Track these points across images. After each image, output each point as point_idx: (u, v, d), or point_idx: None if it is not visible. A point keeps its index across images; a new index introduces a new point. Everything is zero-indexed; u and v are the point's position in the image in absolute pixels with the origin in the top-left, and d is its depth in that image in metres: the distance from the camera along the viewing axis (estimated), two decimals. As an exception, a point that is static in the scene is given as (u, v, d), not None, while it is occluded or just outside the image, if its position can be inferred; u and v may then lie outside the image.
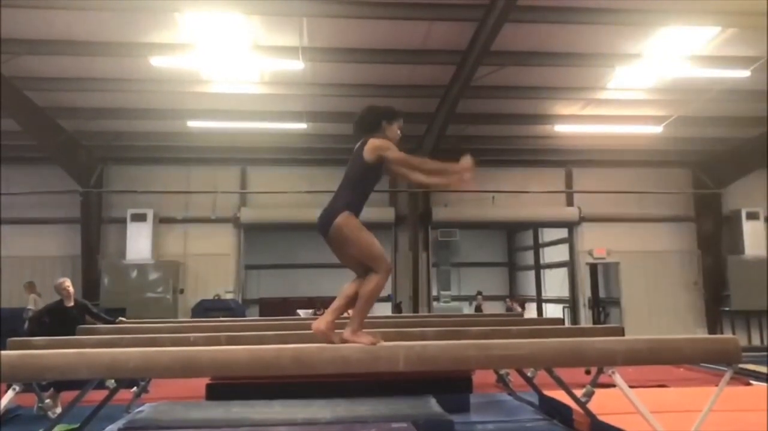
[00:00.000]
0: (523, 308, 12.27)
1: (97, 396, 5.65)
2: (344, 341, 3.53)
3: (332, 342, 3.54)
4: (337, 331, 3.59)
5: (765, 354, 11.01)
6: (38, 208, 12.94)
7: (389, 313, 12.64)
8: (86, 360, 3.46)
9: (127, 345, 4.22)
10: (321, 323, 3.57)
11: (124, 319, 7.07)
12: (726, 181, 13.90)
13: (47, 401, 5.08)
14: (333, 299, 3.72)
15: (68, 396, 5.80)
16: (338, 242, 3.53)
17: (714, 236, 14.13)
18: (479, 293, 13.78)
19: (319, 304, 13.46)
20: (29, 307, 9.84)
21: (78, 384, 5.28)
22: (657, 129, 12.00)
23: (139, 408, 6.16)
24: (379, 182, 3.78)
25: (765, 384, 7.32)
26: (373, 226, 3.62)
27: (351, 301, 3.61)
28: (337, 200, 3.55)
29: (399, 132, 3.79)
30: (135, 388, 6.89)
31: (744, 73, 9.53)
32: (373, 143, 3.60)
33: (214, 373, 4.90)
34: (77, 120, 11.68)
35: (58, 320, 6.67)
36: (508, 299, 14.24)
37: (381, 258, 3.52)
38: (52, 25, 8.43)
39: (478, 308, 13.25)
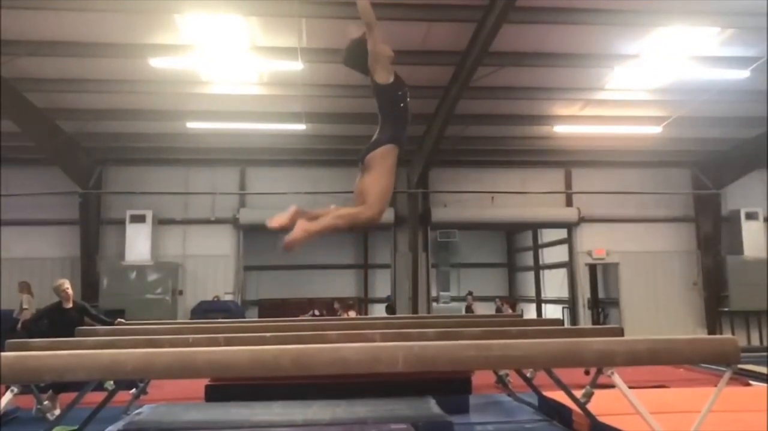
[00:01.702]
0: (514, 308, 12.23)
1: (95, 397, 5.65)
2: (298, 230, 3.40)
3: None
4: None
5: (764, 354, 10.99)
6: (37, 209, 12.92)
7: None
8: (85, 361, 3.45)
9: (125, 347, 4.21)
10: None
11: (123, 320, 7.04)
12: (725, 181, 13.90)
13: (46, 403, 5.08)
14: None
15: (67, 397, 5.80)
16: (367, 167, 3.61)
17: (713, 236, 14.13)
18: (470, 293, 13.86)
19: (320, 305, 13.54)
20: (24, 307, 9.82)
21: (77, 386, 5.28)
22: (656, 129, 12.01)
23: (138, 410, 6.16)
24: (408, 98, 3.74)
25: (764, 385, 7.31)
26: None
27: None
28: (380, 134, 3.65)
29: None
30: (134, 390, 6.87)
31: (743, 74, 9.54)
32: (370, 65, 3.66)
33: (213, 374, 4.89)
34: (76, 121, 11.67)
35: (57, 322, 6.67)
36: (498, 300, 14.27)
37: (380, 202, 3.58)
38: (52, 27, 8.43)
39: (469, 309, 13.31)
